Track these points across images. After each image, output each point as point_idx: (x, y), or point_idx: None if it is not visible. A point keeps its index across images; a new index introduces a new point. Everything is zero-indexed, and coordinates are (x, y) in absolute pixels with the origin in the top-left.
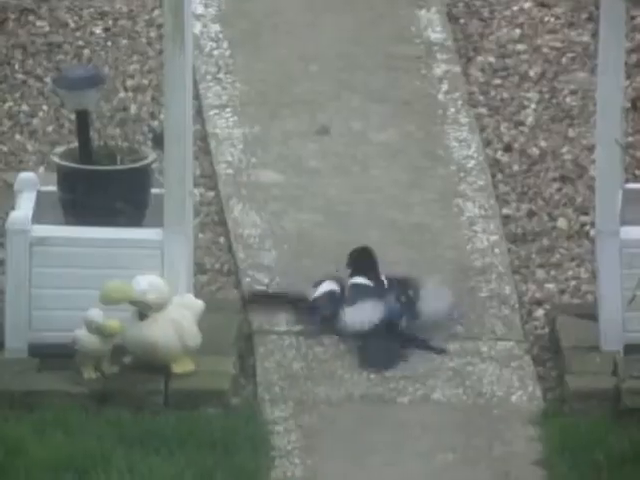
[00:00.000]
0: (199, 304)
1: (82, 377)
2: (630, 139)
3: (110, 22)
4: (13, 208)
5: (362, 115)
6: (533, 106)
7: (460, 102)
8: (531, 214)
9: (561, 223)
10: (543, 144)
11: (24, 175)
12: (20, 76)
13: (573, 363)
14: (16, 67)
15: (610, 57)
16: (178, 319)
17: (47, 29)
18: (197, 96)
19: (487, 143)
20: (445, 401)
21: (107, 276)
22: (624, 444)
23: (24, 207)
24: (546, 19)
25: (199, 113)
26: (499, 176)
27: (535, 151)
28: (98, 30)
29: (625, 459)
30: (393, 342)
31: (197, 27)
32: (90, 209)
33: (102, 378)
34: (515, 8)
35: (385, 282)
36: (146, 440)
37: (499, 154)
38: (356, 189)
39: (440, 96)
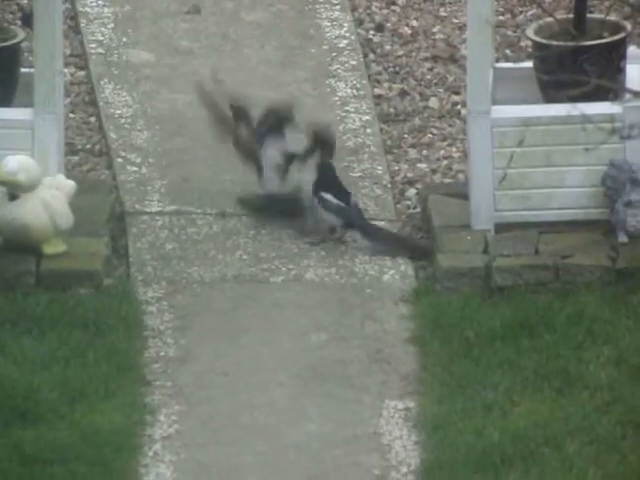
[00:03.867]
0: (70, 184)
1: None
2: (501, 18)
3: None
4: None
5: None
6: None
7: None
8: (403, 94)
9: (433, 103)
10: (415, 23)
11: None
12: None
13: (444, 242)
14: None
15: None
16: (49, 200)
17: None
18: None
19: (359, 23)
20: (318, 281)
21: None
22: (494, 321)
23: None
24: None
25: None
26: (371, 56)
27: (407, 30)
28: None
29: (495, 335)
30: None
31: None
32: None
33: None
34: None
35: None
36: (17, 320)
37: (371, 33)
38: (228, 69)
39: None
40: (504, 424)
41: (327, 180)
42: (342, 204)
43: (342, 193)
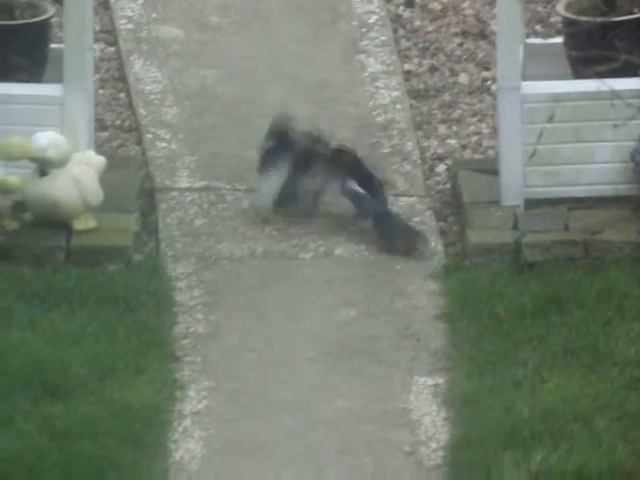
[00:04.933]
0: (100, 160)
1: None
2: None
3: None
4: None
5: None
6: None
7: None
8: (433, 69)
9: (462, 78)
10: None
11: None
12: None
13: (474, 218)
14: None
15: None
16: (79, 176)
17: None
18: None
19: None
20: (347, 257)
21: (6, 132)
22: (523, 297)
23: None
24: None
25: None
26: (401, 31)
27: (437, 6)
28: None
29: (524, 312)
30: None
31: None
32: None
33: (3, 234)
34: None
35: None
36: (47, 296)
37: (401, 9)
38: (258, 45)
39: None
40: (533, 400)
41: (351, 167)
42: (362, 191)
43: (367, 180)
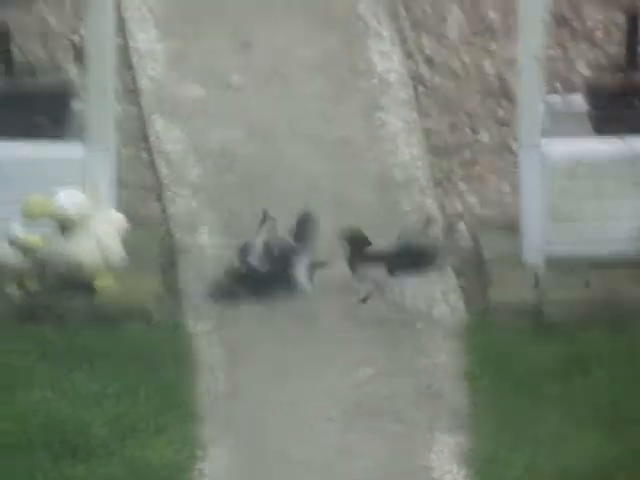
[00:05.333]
0: (121, 219)
1: (5, 293)
2: (552, 52)
3: None
4: None
5: (285, 30)
6: (455, 20)
7: (382, 15)
8: (453, 127)
9: (483, 136)
10: (465, 57)
11: None
12: None
13: (495, 276)
14: None
15: None
16: (100, 234)
17: None
18: (119, 10)
19: (409, 56)
20: (367, 315)
21: (28, 191)
22: (545, 356)
23: None
24: None
25: (121, 27)
26: (421, 89)
27: (457, 64)
28: None
29: (545, 370)
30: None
31: None
32: (11, 124)
33: (25, 294)
34: None
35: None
36: (69, 356)
37: (421, 67)
38: (279, 103)
39: (362, 10)
40: (554, 460)
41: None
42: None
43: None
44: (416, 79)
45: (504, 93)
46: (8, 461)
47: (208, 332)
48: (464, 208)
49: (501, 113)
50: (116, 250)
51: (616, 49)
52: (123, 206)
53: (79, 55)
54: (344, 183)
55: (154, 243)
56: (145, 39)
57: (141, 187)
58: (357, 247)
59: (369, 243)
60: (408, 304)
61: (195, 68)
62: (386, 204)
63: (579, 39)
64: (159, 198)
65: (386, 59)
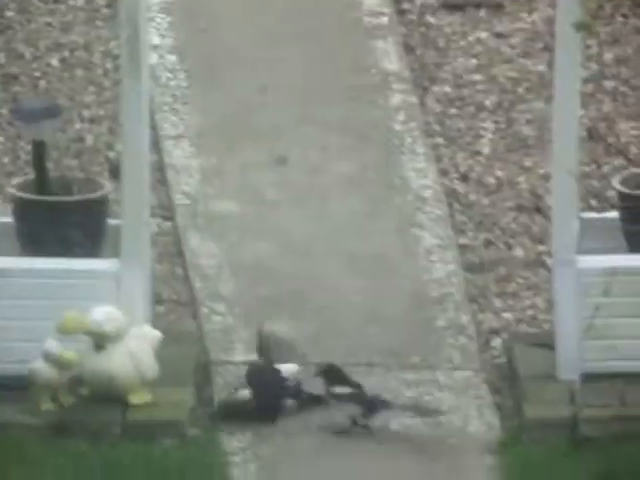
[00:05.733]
0: (156, 335)
1: (39, 409)
2: (586, 169)
3: (66, 53)
4: None
5: (320, 146)
6: (489, 136)
7: (417, 132)
8: (488, 243)
9: (518, 252)
10: (499, 173)
11: None
12: None
13: (530, 392)
14: None
15: (565, 86)
16: (135, 350)
17: (3, 60)
18: (154, 127)
19: (444, 173)
20: (402, 431)
21: (64, 307)
22: (581, 473)
23: None
24: (502, 49)
25: (156, 144)
26: (456, 205)
27: (491, 180)
28: (54, 61)
29: None
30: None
31: (153, 58)
32: (46, 240)
33: (59, 409)
34: (471, 38)
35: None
36: (104, 472)
37: (456, 183)
38: (313, 219)
39: (397, 126)
40: None
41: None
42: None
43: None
44: (451, 195)
45: (538, 209)
46: None
47: (243, 448)
48: (499, 324)
49: (535, 229)
50: (151, 366)
51: None
52: (158, 322)
53: (114, 171)
54: (378, 299)
55: (189, 359)
56: (180, 155)
57: (176, 302)
58: (332, 382)
59: (345, 379)
60: (443, 420)
61: (230, 184)
62: (420, 320)
63: (613, 155)
64: (194, 314)
65: (421, 175)
